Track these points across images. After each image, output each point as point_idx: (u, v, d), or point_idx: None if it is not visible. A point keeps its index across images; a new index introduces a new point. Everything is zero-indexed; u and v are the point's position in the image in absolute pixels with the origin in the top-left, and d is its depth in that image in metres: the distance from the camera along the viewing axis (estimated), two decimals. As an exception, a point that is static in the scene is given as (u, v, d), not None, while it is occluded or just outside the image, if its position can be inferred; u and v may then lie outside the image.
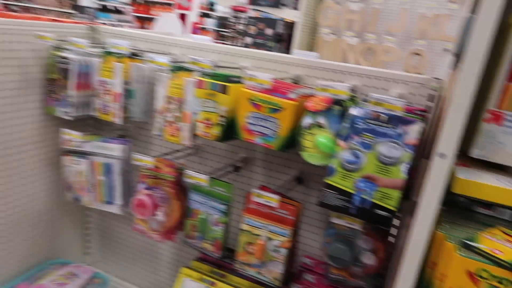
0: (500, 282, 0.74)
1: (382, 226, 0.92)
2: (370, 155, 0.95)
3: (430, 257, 0.87)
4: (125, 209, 1.48)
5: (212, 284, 1.38)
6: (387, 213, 0.92)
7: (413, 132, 0.92)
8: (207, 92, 1.17)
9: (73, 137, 1.37)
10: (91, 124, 1.69)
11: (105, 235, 1.84)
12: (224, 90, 1.14)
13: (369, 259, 1.16)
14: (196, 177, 1.21)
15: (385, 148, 0.94)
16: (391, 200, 0.92)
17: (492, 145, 0.89)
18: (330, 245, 1.19)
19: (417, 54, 2.04)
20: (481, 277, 0.75)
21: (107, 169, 1.41)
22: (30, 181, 1.54)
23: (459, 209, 1.03)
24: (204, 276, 1.40)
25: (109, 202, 1.47)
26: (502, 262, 0.73)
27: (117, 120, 1.33)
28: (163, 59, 1.13)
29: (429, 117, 1.13)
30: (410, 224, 0.95)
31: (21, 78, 1.39)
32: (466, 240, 0.80)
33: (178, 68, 1.19)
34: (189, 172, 1.22)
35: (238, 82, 1.16)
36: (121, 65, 1.26)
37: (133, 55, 1.28)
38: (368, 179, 0.95)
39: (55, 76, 1.38)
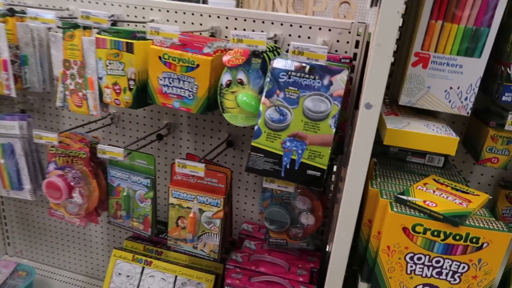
0: (435, 235, 0.70)
1: (314, 187, 0.85)
2: (296, 111, 0.86)
3: (365, 215, 0.82)
4: (37, 193, 1.31)
5: (148, 263, 1.28)
6: (319, 172, 0.85)
7: (340, 82, 0.83)
8: (111, 52, 1.00)
9: (-43, 117, 1.15)
10: (-12, 100, 1.46)
11: (26, 222, 1.65)
12: (129, 48, 0.98)
13: (307, 220, 1.11)
14: (111, 151, 1.07)
15: (311, 103, 0.85)
16: (322, 158, 0.85)
17: (420, 91, 0.84)
18: (267, 209, 1.12)
19: (346, 2, 1.96)
20: (416, 231, 0.70)
21: (8, 150, 1.22)
22: None
23: (391, 159, 0.99)
24: (139, 256, 1.30)
25: (18, 188, 1.29)
26: (436, 214, 0.69)
27: (10, 92, 1.12)
28: (50, 15, 0.94)
29: (356, 65, 1.05)
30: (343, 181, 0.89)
31: None
32: (399, 194, 0.75)
33: (72, 26, 1.01)
34: (102, 146, 1.07)
35: (146, 38, 1.00)
36: (3, 25, 1.05)
37: (15, 12, 1.06)
38: (296, 137, 0.86)
39: None
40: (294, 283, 1.10)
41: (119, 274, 1.29)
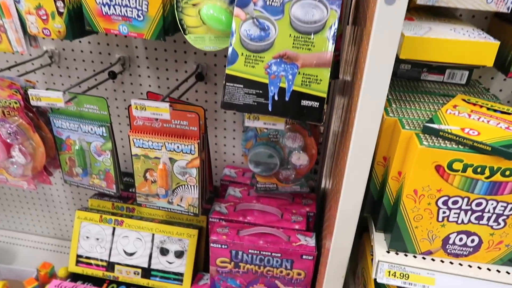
0: (478, 172, 0.53)
1: (312, 121, 0.67)
2: (282, 23, 0.64)
3: (379, 152, 0.65)
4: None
5: (119, 223, 1.11)
6: (316, 102, 0.66)
7: (341, -26, 0.61)
8: (22, -39, 0.73)
9: None
10: None
11: (-25, 187, 1.44)
12: (46, -47, 0.72)
13: (300, 159, 0.94)
14: (47, 96, 0.84)
15: (300, 10, 0.63)
16: (320, 83, 0.65)
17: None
18: (251, 151, 0.94)
19: None
20: (453, 170, 0.53)
21: None
22: None
23: (402, 80, 0.80)
24: (107, 216, 1.12)
25: None
26: (481, 146, 0.52)
27: None
28: None
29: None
30: (349, 108, 0.70)
31: None
32: (428, 123, 0.57)
33: None
34: (35, 91, 0.84)
35: None
36: None
37: None
38: (284, 59, 0.65)
39: None
40: (289, 232, 0.95)
41: (87, 237, 1.12)
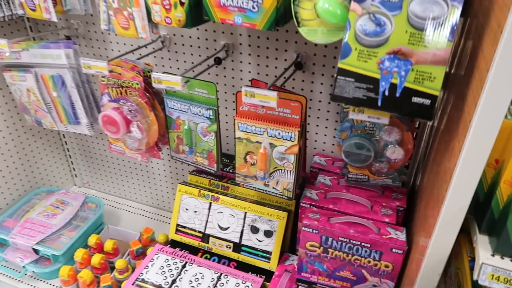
0: None
1: (422, 119, 0.67)
2: (399, 19, 0.64)
3: (491, 153, 0.63)
4: (94, 127, 1.23)
5: (215, 199, 1.20)
6: (428, 100, 0.66)
7: (469, -28, 0.60)
8: (156, -42, 0.82)
9: (1, 46, 1.05)
10: (31, 27, 1.35)
11: (89, 154, 1.63)
12: (178, -50, 0.79)
13: (395, 153, 0.94)
14: (167, 80, 0.93)
15: (419, 6, 0.63)
16: (433, 81, 0.65)
17: None
18: (346, 141, 0.96)
19: None
20: None
21: (58, 82, 1.13)
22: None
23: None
24: (205, 192, 1.22)
25: (75, 122, 1.22)
26: None
27: (50, 16, 0.99)
28: None
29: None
30: (460, 106, 0.69)
31: None
32: (555, 128, 0.55)
33: None
34: (157, 75, 0.94)
35: None
36: None
37: None
38: (398, 55, 0.66)
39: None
40: (379, 224, 0.96)
41: (186, 209, 1.23)
